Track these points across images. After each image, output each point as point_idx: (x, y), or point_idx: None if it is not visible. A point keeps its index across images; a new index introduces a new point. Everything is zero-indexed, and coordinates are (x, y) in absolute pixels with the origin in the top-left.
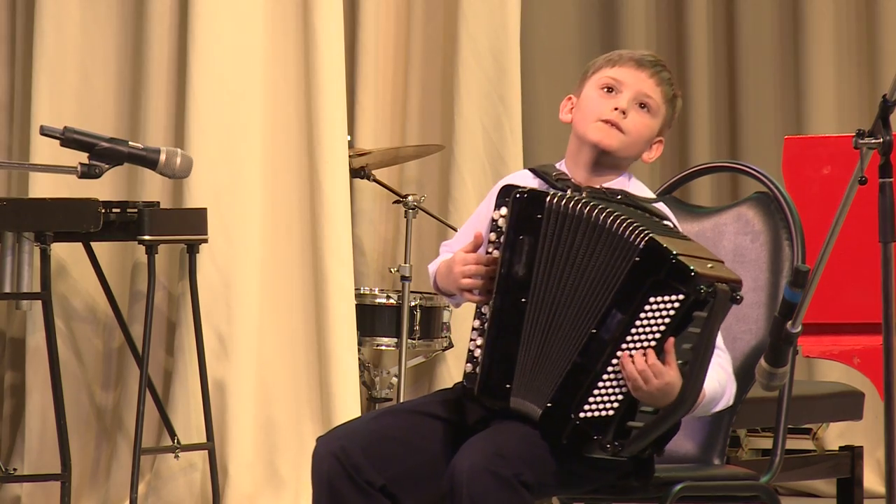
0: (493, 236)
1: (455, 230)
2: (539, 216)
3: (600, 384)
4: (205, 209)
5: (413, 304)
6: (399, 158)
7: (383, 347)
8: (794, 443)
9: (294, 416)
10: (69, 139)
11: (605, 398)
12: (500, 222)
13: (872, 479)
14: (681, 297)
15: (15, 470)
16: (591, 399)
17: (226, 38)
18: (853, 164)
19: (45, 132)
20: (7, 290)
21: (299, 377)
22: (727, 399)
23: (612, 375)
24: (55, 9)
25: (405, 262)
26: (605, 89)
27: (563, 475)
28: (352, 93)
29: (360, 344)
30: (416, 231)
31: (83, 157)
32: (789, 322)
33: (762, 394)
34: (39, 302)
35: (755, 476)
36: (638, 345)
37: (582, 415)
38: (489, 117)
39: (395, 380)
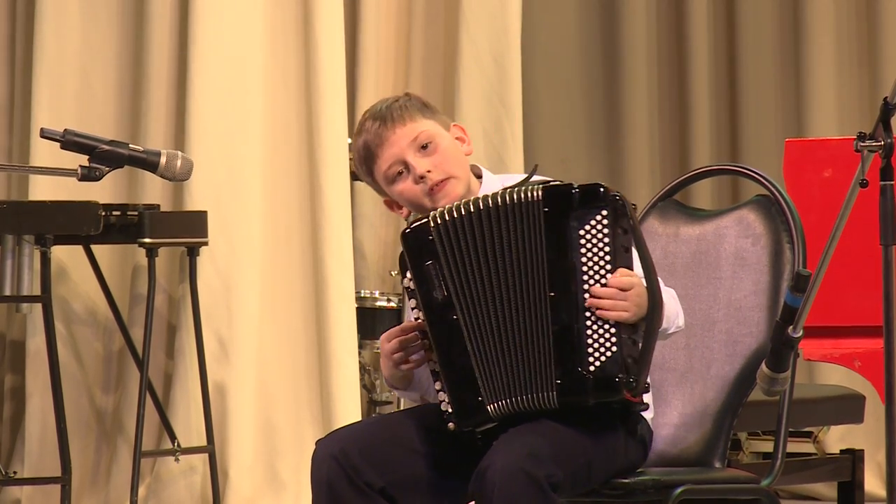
0: (412, 303)
1: None
2: (430, 238)
3: (589, 332)
4: (205, 212)
5: None
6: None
7: None
8: (794, 446)
9: (294, 419)
10: (69, 142)
11: (602, 339)
12: (411, 285)
13: (873, 483)
14: (604, 212)
15: (15, 473)
16: (591, 350)
17: (226, 41)
18: (854, 166)
19: (45, 135)
20: (7, 292)
21: (299, 380)
22: (681, 319)
23: (593, 318)
24: (55, 12)
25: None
26: (398, 176)
27: (584, 470)
28: (352, 95)
29: (360, 347)
30: None
31: (83, 159)
32: (791, 327)
33: (763, 397)
34: (40, 305)
35: (756, 479)
36: (597, 277)
37: (592, 368)
38: (490, 120)
39: None
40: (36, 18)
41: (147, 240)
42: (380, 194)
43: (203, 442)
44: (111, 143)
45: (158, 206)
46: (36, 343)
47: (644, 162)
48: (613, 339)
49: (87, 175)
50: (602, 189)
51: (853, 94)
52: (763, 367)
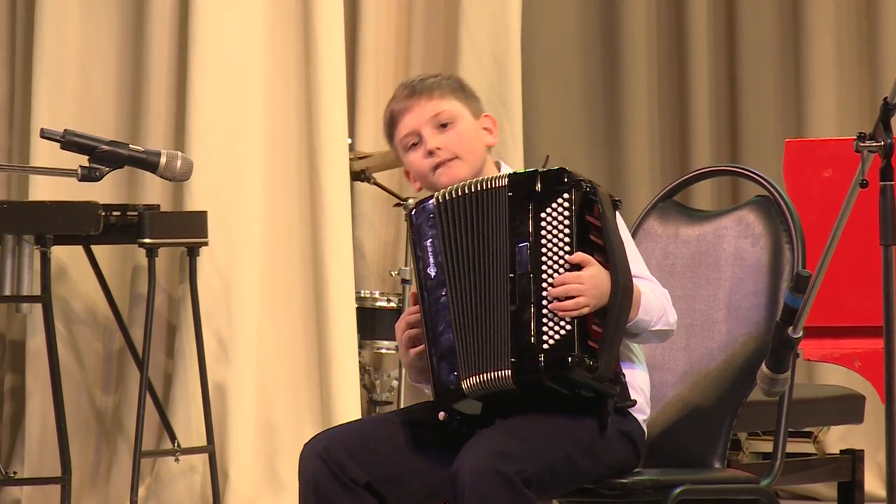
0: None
1: None
2: (432, 215)
3: (544, 311)
4: (205, 212)
5: None
6: (399, 161)
7: (384, 350)
8: (794, 446)
9: (294, 419)
10: (69, 142)
11: (555, 319)
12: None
13: (873, 483)
14: (566, 195)
15: (15, 473)
16: (545, 328)
17: (226, 42)
18: (854, 167)
19: (45, 135)
20: (7, 292)
21: (299, 380)
22: (670, 318)
23: (549, 299)
24: (55, 12)
25: (405, 265)
26: (412, 147)
27: (562, 467)
28: (352, 96)
29: (360, 347)
30: None
31: (83, 160)
32: (791, 327)
33: (763, 397)
34: (40, 305)
35: (756, 479)
36: (556, 258)
37: (545, 345)
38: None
39: (395, 383)
40: (36, 18)
41: (147, 240)
42: (401, 164)
43: (203, 442)
44: (111, 143)
45: (158, 206)
46: (36, 343)
47: (644, 162)
48: (567, 320)
49: (87, 175)
50: (566, 174)
51: (853, 94)
52: (763, 367)
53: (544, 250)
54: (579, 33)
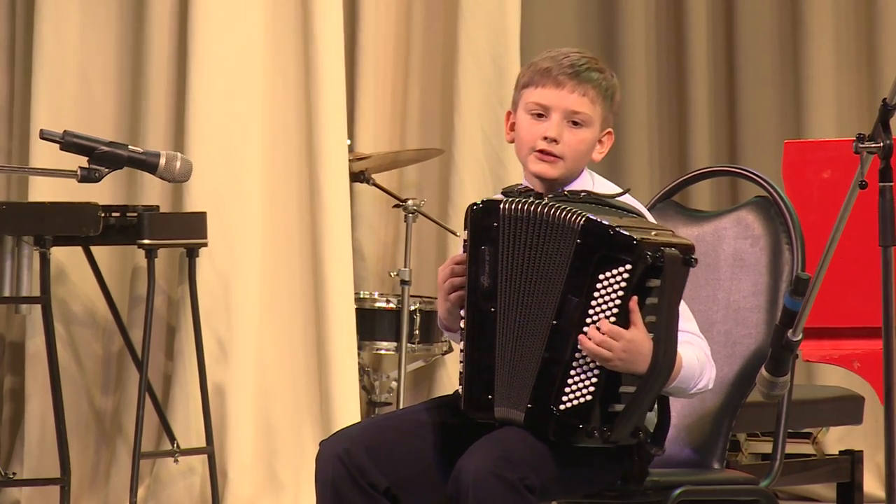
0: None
1: (455, 234)
2: (495, 224)
3: (572, 372)
4: (204, 213)
5: (413, 308)
6: (399, 162)
7: (383, 351)
8: (793, 447)
9: (294, 420)
10: (69, 143)
11: (580, 384)
12: (465, 238)
13: (872, 484)
14: (628, 266)
15: (14, 474)
16: (567, 389)
17: (225, 43)
18: (853, 168)
19: (44, 136)
20: (6, 294)
21: (299, 381)
22: (707, 380)
23: (580, 361)
24: (55, 13)
25: (405, 266)
26: (534, 115)
27: (565, 478)
28: (351, 97)
29: (359, 348)
30: (415, 235)
31: (83, 160)
32: (790, 330)
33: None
34: (39, 306)
35: (755, 480)
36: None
37: (562, 406)
38: (489, 121)
39: (394, 384)
40: (36, 19)
41: (146, 241)
42: (511, 106)
43: (202, 443)
44: (111, 144)
45: (158, 207)
46: (35, 344)
47: (643, 162)
48: (592, 389)
49: (87, 176)
50: (635, 243)
51: (852, 94)
52: (762, 371)
53: (591, 311)
54: (578, 34)
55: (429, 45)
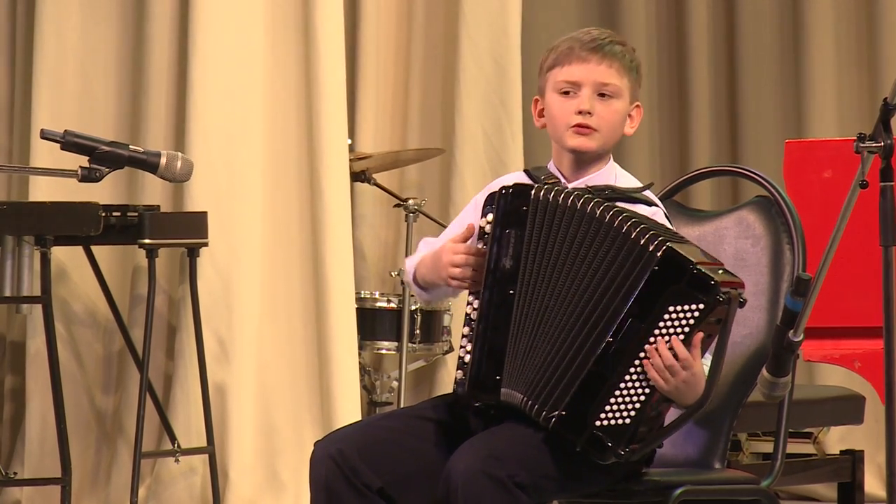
0: (479, 244)
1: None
2: (525, 208)
3: (617, 392)
4: (205, 213)
5: (414, 307)
6: (399, 162)
7: (384, 351)
8: (794, 447)
9: (294, 419)
10: (69, 143)
11: (624, 405)
12: (487, 228)
13: (873, 484)
14: (701, 305)
15: (15, 474)
16: (608, 407)
17: (226, 42)
18: (854, 167)
19: (45, 136)
20: (7, 293)
21: (299, 381)
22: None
23: (630, 384)
24: (55, 12)
25: (405, 267)
26: (564, 93)
27: (559, 475)
28: (352, 96)
29: (360, 348)
30: (416, 235)
31: (83, 160)
32: (791, 331)
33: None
34: (40, 306)
35: (756, 480)
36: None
37: (598, 423)
38: (490, 121)
39: (395, 384)
40: (36, 18)
41: (147, 240)
42: (538, 93)
43: (203, 443)
44: (111, 144)
45: (158, 206)
46: (36, 344)
47: (644, 162)
48: (633, 413)
49: (88, 176)
50: (713, 283)
51: (853, 94)
52: (763, 371)
53: (652, 339)
54: None
55: (429, 44)
